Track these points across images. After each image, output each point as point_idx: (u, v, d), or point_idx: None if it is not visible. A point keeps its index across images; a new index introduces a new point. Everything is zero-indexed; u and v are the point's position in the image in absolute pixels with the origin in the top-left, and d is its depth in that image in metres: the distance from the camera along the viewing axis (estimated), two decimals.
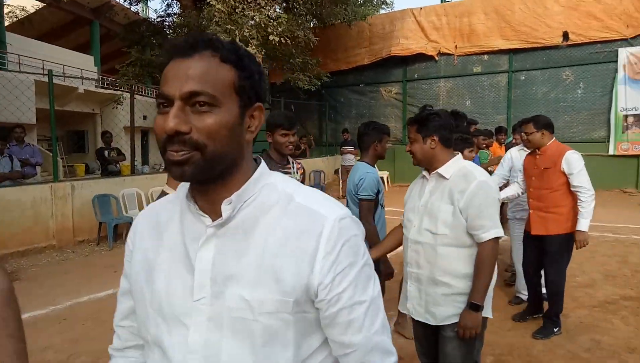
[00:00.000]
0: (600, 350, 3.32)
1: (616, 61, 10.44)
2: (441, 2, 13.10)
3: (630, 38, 10.30)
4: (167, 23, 12.06)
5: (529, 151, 3.72)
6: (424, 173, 2.19)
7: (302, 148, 13.11)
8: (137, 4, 13.19)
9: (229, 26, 8.97)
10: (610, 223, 7.63)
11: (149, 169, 16.85)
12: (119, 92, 15.13)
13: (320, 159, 13.28)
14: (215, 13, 8.94)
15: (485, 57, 12.03)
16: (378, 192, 2.97)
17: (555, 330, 3.54)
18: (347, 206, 3.04)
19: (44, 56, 16.68)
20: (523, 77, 11.64)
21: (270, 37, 9.12)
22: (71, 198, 6.96)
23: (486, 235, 1.97)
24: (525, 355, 3.28)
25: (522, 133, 3.73)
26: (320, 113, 14.77)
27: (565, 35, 10.83)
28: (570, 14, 10.78)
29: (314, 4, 10.80)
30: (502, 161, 4.47)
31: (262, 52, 9.43)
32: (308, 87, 11.85)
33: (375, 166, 3.13)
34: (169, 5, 12.47)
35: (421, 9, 12.54)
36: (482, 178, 2.02)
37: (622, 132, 10.48)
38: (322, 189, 7.58)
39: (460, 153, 2.17)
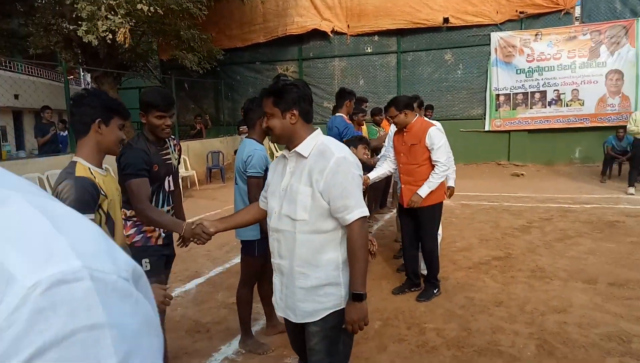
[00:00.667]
0: (473, 306, 3.68)
1: (489, 44, 11.44)
2: None
3: (500, 23, 11.32)
4: None
5: (397, 129, 3.95)
6: (284, 151, 1.98)
7: (198, 127, 12.61)
8: None
9: None
10: (487, 192, 8.47)
11: (26, 154, 15.03)
12: None
13: (218, 139, 12.87)
14: None
15: (376, 37, 12.46)
16: (266, 169, 2.92)
17: (434, 291, 3.86)
18: (236, 183, 2.98)
19: None
20: (410, 58, 12.28)
21: (139, 6, 8.46)
22: None
23: (351, 216, 1.80)
24: (409, 317, 3.53)
25: (388, 117, 4.05)
26: (216, 91, 14.27)
27: (446, 19, 11.59)
28: None
29: None
30: (387, 138, 4.69)
31: (131, 23, 8.72)
32: (196, 68, 11.33)
33: (268, 142, 3.12)
34: None
35: None
36: (340, 153, 1.83)
37: (496, 110, 11.59)
38: (221, 171, 7.41)
39: (319, 129, 1.98)
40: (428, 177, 3.68)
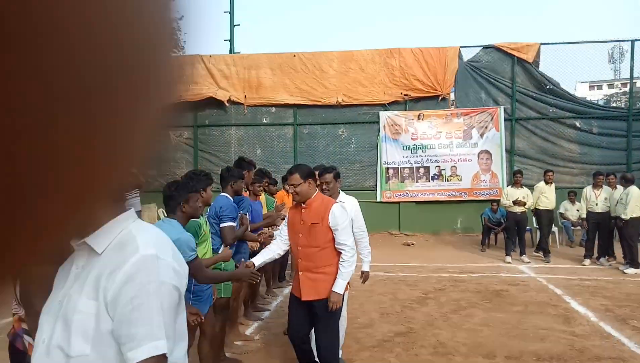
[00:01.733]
0: None
1: (378, 122, 12.26)
2: (230, 52, 13.45)
3: (387, 104, 12.28)
4: None
5: (293, 205, 3.47)
6: (72, 242, 1.17)
7: None
8: None
9: None
10: (382, 262, 8.58)
11: None
12: None
13: None
14: None
15: (273, 109, 12.70)
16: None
17: None
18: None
19: None
20: (307, 131, 12.64)
21: None
22: None
23: (135, 354, 1.13)
24: None
25: (289, 185, 3.39)
26: None
27: (337, 101, 12.27)
28: (342, 79, 12.32)
29: None
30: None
31: None
32: None
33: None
34: None
35: (210, 56, 12.60)
36: (148, 250, 1.21)
37: (386, 182, 12.23)
38: None
39: (132, 209, 1.35)
40: (331, 262, 3.18)
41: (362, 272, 3.96)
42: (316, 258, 3.20)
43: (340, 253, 3.22)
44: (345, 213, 3.30)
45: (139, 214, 10.81)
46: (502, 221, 9.90)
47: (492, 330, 4.82)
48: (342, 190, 4.05)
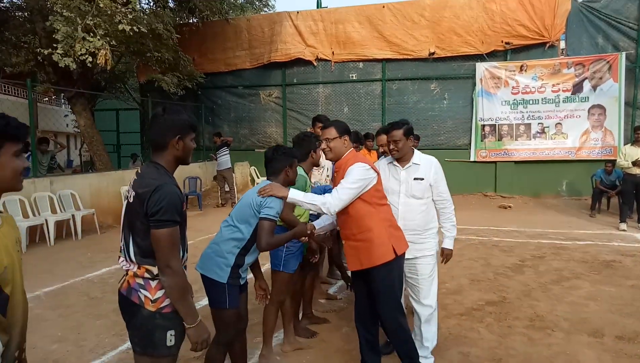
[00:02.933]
0: None
1: (475, 75, 11.32)
2: (317, 7, 13.12)
3: (486, 54, 11.25)
4: (3, 4, 10.20)
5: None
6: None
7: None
8: None
9: (66, 13, 7.73)
10: (474, 225, 8.11)
11: None
12: None
13: (197, 164, 12.39)
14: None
15: (361, 65, 12.28)
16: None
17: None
18: (235, 222, 2.59)
19: None
20: (395, 87, 12.10)
21: (120, 27, 8.03)
22: None
23: None
24: None
25: (324, 139, 2.92)
26: (196, 115, 13.83)
27: (432, 52, 11.48)
28: (435, 29, 11.46)
29: None
30: None
31: (110, 43, 8.28)
32: (174, 91, 10.91)
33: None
34: None
35: (298, 12, 12.39)
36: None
37: (481, 141, 11.40)
38: (198, 198, 6.89)
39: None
40: (365, 227, 2.74)
41: (443, 249, 3.23)
42: (349, 225, 2.82)
43: (381, 212, 2.78)
44: (363, 173, 2.71)
45: (230, 170, 11.30)
46: (617, 183, 8.80)
47: (601, 305, 4.30)
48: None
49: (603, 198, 9.28)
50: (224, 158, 11.16)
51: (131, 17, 8.15)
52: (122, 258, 1.95)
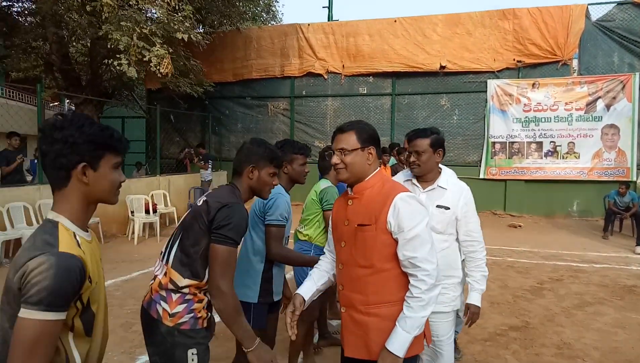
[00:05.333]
0: None
1: (486, 91, 11.24)
2: (328, 20, 13.11)
3: (497, 71, 11.17)
4: (15, 9, 10.17)
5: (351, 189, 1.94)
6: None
7: (185, 162, 12.00)
8: None
9: (123, 23, 7.71)
10: (487, 244, 7.91)
11: None
12: None
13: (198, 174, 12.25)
14: (104, 8, 7.63)
15: (371, 79, 12.21)
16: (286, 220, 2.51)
17: None
18: (249, 234, 2.47)
19: None
20: (405, 101, 12.01)
21: (179, 35, 8.12)
22: None
23: None
24: None
25: (337, 149, 1.90)
26: (203, 125, 13.75)
27: (442, 66, 11.41)
28: (446, 44, 11.41)
29: (203, 5, 10.01)
30: None
31: (169, 51, 8.31)
32: (190, 91, 10.84)
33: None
34: None
35: (309, 25, 12.37)
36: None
37: (491, 158, 11.27)
38: None
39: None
40: (392, 297, 1.76)
41: (469, 306, 2.43)
42: (366, 287, 1.78)
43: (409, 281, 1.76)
44: (421, 210, 1.80)
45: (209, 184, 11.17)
46: (631, 205, 8.63)
47: (630, 333, 4.11)
48: (443, 164, 2.53)
49: (616, 220, 9.11)
50: (205, 170, 11.17)
51: (188, 24, 8.23)
52: (158, 261, 1.90)
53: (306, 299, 1.94)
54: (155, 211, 8.72)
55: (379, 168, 1.93)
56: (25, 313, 1.09)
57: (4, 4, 10.01)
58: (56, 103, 25.42)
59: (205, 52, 11.26)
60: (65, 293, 1.12)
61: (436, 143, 2.42)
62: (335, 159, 1.86)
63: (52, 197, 1.29)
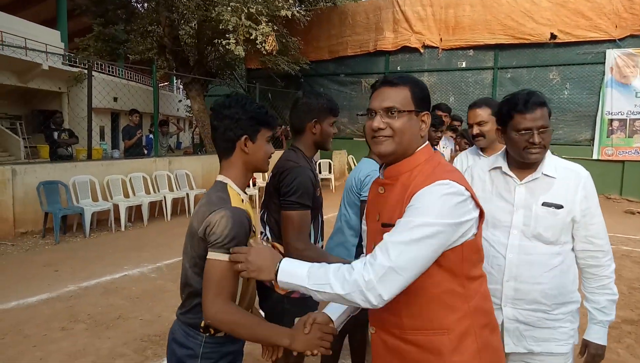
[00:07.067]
0: None
1: (604, 63, 10.14)
2: None
3: (619, 39, 10.00)
4: None
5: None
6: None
7: (281, 138, 12.48)
8: None
9: (233, 4, 8.22)
10: None
11: (120, 154, 15.99)
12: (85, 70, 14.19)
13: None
14: None
15: (471, 52, 11.60)
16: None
17: None
18: (344, 209, 2.45)
19: (1, 27, 15.45)
20: (509, 75, 11.26)
21: (283, 12, 8.49)
22: (12, 184, 6.17)
23: None
24: None
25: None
26: None
27: (553, 35, 10.46)
28: (559, 11, 10.43)
29: None
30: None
31: (274, 28, 8.73)
32: (287, 69, 11.16)
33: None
34: None
35: None
36: None
37: (607, 137, 10.22)
38: None
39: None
40: (437, 322, 1.24)
41: (587, 343, 1.73)
42: (399, 308, 1.27)
43: (468, 296, 1.26)
44: (450, 206, 1.17)
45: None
46: None
47: None
48: (550, 144, 1.73)
49: None
50: None
51: (290, 1, 8.58)
52: (260, 237, 2.01)
53: (334, 320, 1.38)
54: (254, 184, 9.23)
55: (426, 143, 1.34)
56: (213, 255, 1.34)
57: None
58: (166, 83, 27.61)
59: (303, 31, 11.50)
60: (240, 240, 1.36)
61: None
62: (377, 122, 1.29)
63: (219, 164, 1.54)
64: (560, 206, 1.63)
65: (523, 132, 1.64)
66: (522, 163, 1.69)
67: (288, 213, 1.82)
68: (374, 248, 1.21)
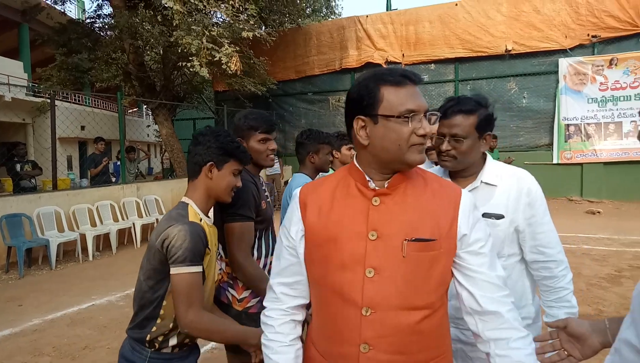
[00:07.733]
0: None
1: (557, 72, 10.63)
2: (387, 10, 13.00)
3: (569, 49, 10.52)
4: (97, 25, 11.15)
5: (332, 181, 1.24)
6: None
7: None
8: (62, 4, 12.13)
9: (193, 27, 8.29)
10: (560, 232, 7.50)
11: (87, 183, 15.74)
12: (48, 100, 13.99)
13: (264, 171, 12.71)
14: (174, 16, 8.25)
15: (432, 66, 11.98)
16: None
17: None
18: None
19: None
20: (469, 87, 11.66)
21: (244, 34, 8.60)
22: None
23: None
24: None
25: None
26: None
27: (508, 49, 10.93)
28: (512, 24, 10.92)
29: (265, 4, 10.44)
30: None
31: (236, 50, 8.82)
32: (254, 90, 11.28)
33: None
34: (99, 7, 11.56)
35: (367, 16, 12.36)
36: None
37: (565, 141, 10.66)
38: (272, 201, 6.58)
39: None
40: (436, 350, 1.11)
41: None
42: (416, 342, 1.08)
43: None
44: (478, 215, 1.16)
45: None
46: None
47: None
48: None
49: None
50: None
51: (252, 23, 8.71)
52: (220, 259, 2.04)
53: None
54: None
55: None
56: (177, 270, 1.41)
57: (88, 21, 11.00)
58: (135, 109, 27.37)
59: (268, 52, 11.67)
60: (199, 250, 1.45)
61: (483, 123, 1.54)
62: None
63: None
64: (500, 216, 1.52)
65: (438, 137, 1.58)
66: (458, 171, 1.59)
67: (229, 224, 1.86)
68: (371, 276, 1.06)
